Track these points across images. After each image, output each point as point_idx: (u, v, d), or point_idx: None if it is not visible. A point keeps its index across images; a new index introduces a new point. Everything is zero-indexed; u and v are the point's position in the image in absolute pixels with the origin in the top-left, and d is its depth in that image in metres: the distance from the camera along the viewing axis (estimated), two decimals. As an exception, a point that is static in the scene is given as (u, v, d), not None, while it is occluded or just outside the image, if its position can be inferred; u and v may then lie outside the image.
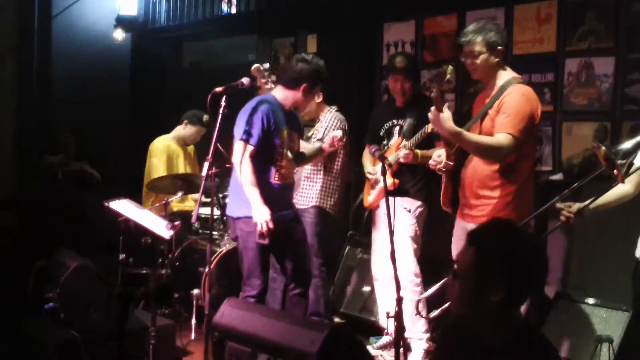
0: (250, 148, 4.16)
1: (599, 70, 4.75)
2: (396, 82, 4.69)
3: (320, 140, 4.87)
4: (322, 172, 5.02)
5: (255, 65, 4.59)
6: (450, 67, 3.67)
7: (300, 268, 4.44)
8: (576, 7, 4.86)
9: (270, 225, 4.06)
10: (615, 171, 3.01)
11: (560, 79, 4.93)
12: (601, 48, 4.75)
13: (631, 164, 3.12)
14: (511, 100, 3.64)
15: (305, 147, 4.72)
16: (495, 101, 3.71)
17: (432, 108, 3.65)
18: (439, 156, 3.91)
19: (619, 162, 3.05)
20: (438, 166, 3.90)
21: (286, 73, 4.36)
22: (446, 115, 3.61)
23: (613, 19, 4.70)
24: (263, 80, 4.60)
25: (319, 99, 5.08)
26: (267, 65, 4.64)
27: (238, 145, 4.18)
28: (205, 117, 6.05)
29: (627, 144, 3.12)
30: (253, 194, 4.12)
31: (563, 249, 4.61)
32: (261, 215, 4.07)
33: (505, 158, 3.65)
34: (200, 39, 8.20)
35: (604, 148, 3.03)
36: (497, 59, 3.75)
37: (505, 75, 3.79)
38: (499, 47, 3.72)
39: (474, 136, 3.69)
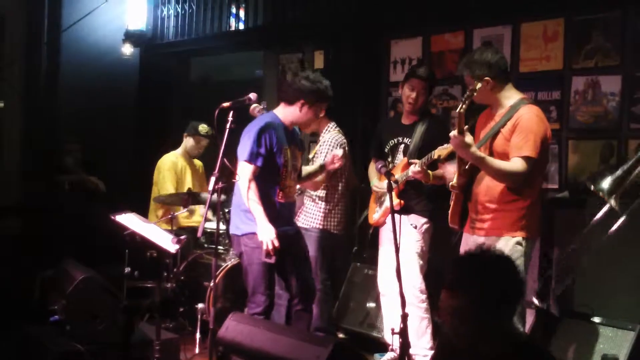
0: (253, 168, 4.17)
1: (606, 88, 4.76)
2: (413, 90, 4.63)
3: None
4: (325, 194, 5.02)
5: (253, 105, 4.60)
6: (480, 84, 3.70)
7: (304, 283, 4.44)
8: (583, 25, 4.88)
9: (276, 243, 4.07)
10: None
11: (567, 96, 4.94)
12: (608, 66, 4.77)
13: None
14: (526, 121, 3.70)
15: (304, 168, 4.73)
16: (507, 120, 3.77)
17: (454, 132, 3.67)
18: (453, 172, 3.94)
19: (611, 201, 3.18)
20: (450, 183, 3.93)
21: (286, 89, 4.39)
22: (469, 140, 3.65)
23: (619, 37, 4.71)
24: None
25: (321, 113, 5.08)
26: (264, 105, 4.66)
27: (242, 166, 4.20)
28: (202, 127, 6.06)
29: (605, 183, 3.25)
30: (258, 213, 4.13)
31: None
32: (267, 234, 4.08)
33: (523, 181, 3.72)
34: (207, 54, 8.24)
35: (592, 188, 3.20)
36: (488, 87, 3.81)
37: (512, 95, 3.85)
38: (486, 78, 3.78)
39: (495, 162, 3.74)
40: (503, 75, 3.86)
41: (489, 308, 2.23)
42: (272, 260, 4.13)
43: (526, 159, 3.66)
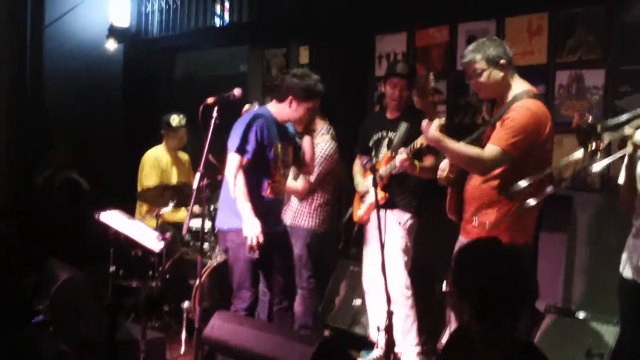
0: (242, 160, 4.15)
1: (590, 82, 4.75)
2: (395, 87, 4.66)
3: None
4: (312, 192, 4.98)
5: (246, 106, 4.58)
6: (431, 75, 3.62)
7: (287, 282, 4.45)
8: (567, 19, 4.87)
9: (261, 239, 4.05)
10: (593, 144, 2.76)
11: (551, 91, 4.93)
12: (591, 60, 4.75)
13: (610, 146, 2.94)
14: (515, 115, 3.51)
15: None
16: (503, 114, 3.61)
17: (425, 120, 3.62)
18: (444, 167, 3.88)
19: (605, 133, 2.75)
20: (439, 177, 3.88)
21: (278, 86, 4.39)
22: (435, 123, 3.53)
23: (603, 31, 4.70)
24: None
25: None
26: (256, 105, 4.64)
27: (231, 157, 4.18)
28: (172, 119, 6.02)
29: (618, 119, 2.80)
30: (245, 207, 4.11)
31: (554, 263, 4.61)
32: (252, 229, 4.06)
33: (488, 170, 3.55)
34: (192, 50, 8.20)
35: (590, 117, 2.84)
36: (502, 73, 3.64)
37: (517, 88, 3.67)
38: (502, 61, 3.62)
39: (456, 145, 3.55)
40: (512, 64, 3.69)
41: (487, 308, 2.15)
42: (256, 255, 4.11)
43: (496, 149, 3.48)
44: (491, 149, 3.51)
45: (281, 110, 4.34)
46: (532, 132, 3.50)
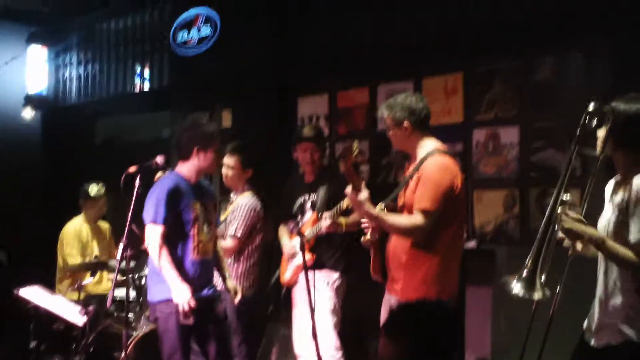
0: (159, 229, 4.09)
1: (505, 139, 4.91)
2: (305, 151, 4.73)
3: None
4: (235, 255, 4.95)
5: (158, 174, 4.53)
6: (356, 143, 3.66)
7: (223, 349, 4.34)
8: (482, 76, 5.03)
9: (192, 303, 3.97)
10: None
11: (469, 148, 5.07)
12: (506, 117, 4.92)
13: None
14: (428, 172, 3.60)
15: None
16: (415, 172, 3.68)
17: (349, 187, 3.62)
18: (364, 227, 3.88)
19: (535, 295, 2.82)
20: (363, 239, 3.85)
21: (179, 146, 4.34)
22: (363, 197, 3.54)
23: (517, 88, 4.88)
24: None
25: (245, 174, 5.07)
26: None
27: (148, 229, 4.11)
28: (91, 189, 5.89)
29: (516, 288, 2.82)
30: (170, 275, 4.03)
31: (482, 316, 4.66)
32: (182, 296, 3.99)
33: (425, 235, 3.57)
34: (112, 116, 8.12)
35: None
36: (407, 133, 3.73)
37: (428, 145, 3.75)
38: (406, 123, 3.71)
39: (391, 218, 3.61)
40: (423, 123, 3.77)
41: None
42: (190, 321, 4.02)
43: (424, 212, 3.52)
44: (420, 215, 3.54)
45: (191, 166, 4.27)
46: (447, 186, 3.59)
